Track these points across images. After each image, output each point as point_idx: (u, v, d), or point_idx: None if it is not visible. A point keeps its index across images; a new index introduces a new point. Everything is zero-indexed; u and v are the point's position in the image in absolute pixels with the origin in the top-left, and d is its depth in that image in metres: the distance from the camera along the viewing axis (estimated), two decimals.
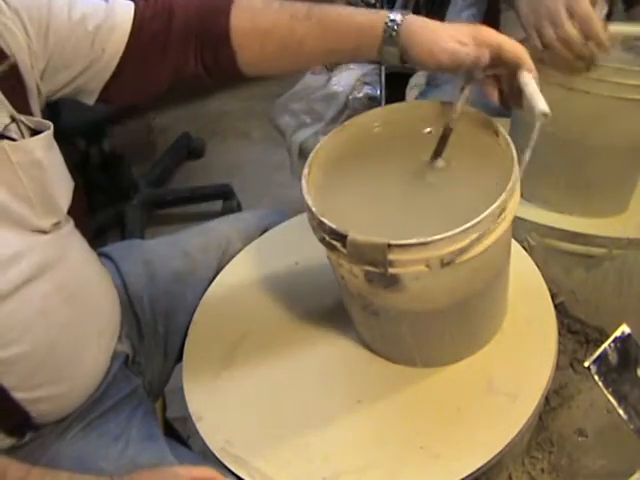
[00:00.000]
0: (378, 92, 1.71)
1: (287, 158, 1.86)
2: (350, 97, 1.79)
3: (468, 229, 0.63)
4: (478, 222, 0.63)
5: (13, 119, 0.71)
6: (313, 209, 0.68)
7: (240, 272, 0.99)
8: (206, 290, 0.97)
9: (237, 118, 2.33)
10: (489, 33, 0.71)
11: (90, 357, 0.81)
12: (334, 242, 0.66)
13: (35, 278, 0.72)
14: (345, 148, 0.79)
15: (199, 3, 0.77)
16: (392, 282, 0.66)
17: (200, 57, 0.77)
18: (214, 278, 0.99)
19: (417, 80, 1.63)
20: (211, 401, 0.82)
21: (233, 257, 1.01)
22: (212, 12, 0.76)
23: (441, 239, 0.62)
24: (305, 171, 0.74)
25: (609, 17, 0.89)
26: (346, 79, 1.83)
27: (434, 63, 0.72)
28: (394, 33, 0.73)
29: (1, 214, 0.70)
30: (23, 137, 0.71)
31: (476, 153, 0.76)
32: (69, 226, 0.80)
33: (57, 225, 0.76)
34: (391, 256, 0.63)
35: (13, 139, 0.70)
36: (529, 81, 0.70)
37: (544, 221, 1.01)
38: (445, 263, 0.63)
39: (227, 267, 1.00)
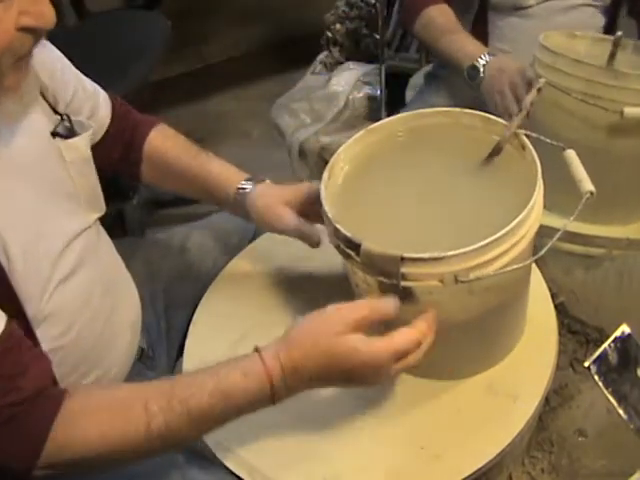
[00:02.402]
0: (378, 92, 1.71)
1: (287, 158, 1.86)
2: (350, 97, 1.78)
3: (484, 246, 0.61)
4: (495, 240, 0.61)
5: (62, 117, 0.76)
6: (330, 215, 0.67)
7: (240, 272, 0.99)
8: (205, 286, 0.97)
9: (237, 118, 2.32)
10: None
11: (123, 347, 0.83)
12: (348, 250, 0.65)
13: (80, 268, 0.75)
14: (365, 154, 0.78)
15: (139, 116, 0.94)
16: (405, 295, 0.65)
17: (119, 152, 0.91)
18: (212, 273, 0.99)
19: (417, 80, 1.63)
20: None
21: (231, 251, 1.01)
22: (142, 123, 0.93)
23: (455, 255, 0.61)
24: (325, 175, 0.72)
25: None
26: (346, 79, 1.83)
27: (270, 229, 0.87)
28: (239, 199, 0.87)
29: (55, 207, 0.73)
30: (71, 136, 0.76)
31: (501, 166, 0.74)
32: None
33: (97, 220, 0.82)
34: (404, 269, 0.62)
35: (64, 136, 0.75)
36: (573, 159, 0.70)
37: (544, 221, 1.01)
38: (459, 280, 0.61)
39: (227, 266, 1.00)
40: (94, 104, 0.85)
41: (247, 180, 0.89)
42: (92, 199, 0.80)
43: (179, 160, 0.91)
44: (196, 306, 0.94)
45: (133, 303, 0.88)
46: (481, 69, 1.14)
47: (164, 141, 0.93)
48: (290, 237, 0.85)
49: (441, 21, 1.25)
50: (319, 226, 0.81)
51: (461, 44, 1.19)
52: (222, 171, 0.90)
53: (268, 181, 0.89)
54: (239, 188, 0.88)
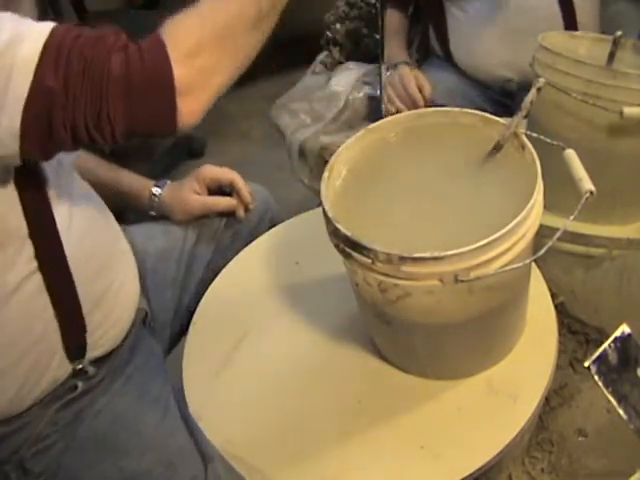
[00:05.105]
0: (378, 92, 1.71)
1: (287, 158, 1.86)
2: (350, 97, 1.78)
3: (484, 246, 0.61)
4: (495, 239, 0.61)
5: None
6: (329, 214, 0.67)
7: (240, 272, 0.99)
8: (188, 266, 1.02)
9: (237, 118, 2.33)
10: (206, 171, 1.05)
11: (126, 283, 0.86)
12: (348, 250, 0.65)
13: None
14: (365, 154, 0.78)
15: None
16: (405, 294, 0.65)
17: None
18: (194, 250, 1.03)
19: None
20: (211, 401, 0.82)
21: (214, 231, 1.07)
22: None
23: (456, 255, 0.61)
24: (325, 175, 0.72)
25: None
26: (346, 79, 1.83)
27: (183, 214, 1.04)
28: (155, 202, 1.04)
29: None
30: None
31: (500, 166, 0.74)
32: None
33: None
34: (404, 268, 0.62)
35: None
36: (573, 159, 0.70)
37: (544, 221, 1.01)
38: (459, 279, 0.61)
39: (227, 266, 1.00)
40: None
41: (155, 186, 1.04)
42: None
43: (96, 170, 0.99)
44: (181, 286, 0.98)
45: (126, 245, 0.91)
46: (391, 71, 1.48)
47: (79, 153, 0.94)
48: (208, 213, 1.04)
49: (387, 23, 1.54)
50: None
51: (389, 46, 1.53)
52: (133, 181, 1.05)
53: (169, 182, 1.06)
54: (152, 193, 1.03)
